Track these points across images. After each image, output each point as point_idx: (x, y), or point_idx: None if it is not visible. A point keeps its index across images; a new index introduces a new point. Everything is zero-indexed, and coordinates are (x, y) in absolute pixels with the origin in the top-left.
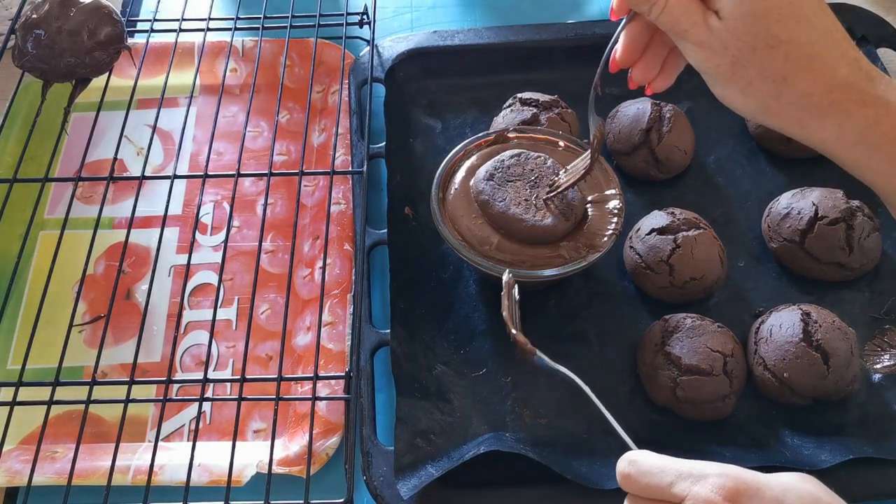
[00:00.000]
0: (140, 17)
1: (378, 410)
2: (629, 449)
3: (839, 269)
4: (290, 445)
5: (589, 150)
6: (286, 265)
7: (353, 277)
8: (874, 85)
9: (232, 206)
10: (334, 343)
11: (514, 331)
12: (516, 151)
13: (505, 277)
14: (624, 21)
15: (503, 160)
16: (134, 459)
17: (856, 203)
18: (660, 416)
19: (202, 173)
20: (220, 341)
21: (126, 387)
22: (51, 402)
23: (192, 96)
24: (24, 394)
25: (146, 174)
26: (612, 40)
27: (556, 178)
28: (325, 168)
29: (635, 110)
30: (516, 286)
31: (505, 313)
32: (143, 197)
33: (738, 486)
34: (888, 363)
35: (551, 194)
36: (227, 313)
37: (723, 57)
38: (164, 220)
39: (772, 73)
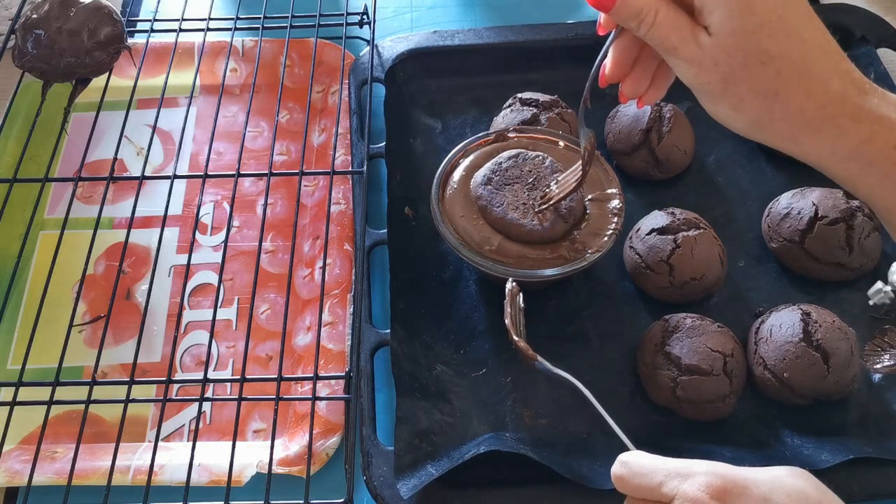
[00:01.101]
0: (140, 17)
1: (378, 410)
2: (627, 450)
3: (839, 269)
4: (290, 445)
5: (580, 163)
6: (286, 265)
7: (353, 277)
8: (867, 98)
9: (232, 206)
10: (334, 343)
11: (515, 338)
12: (514, 152)
13: (508, 286)
14: (612, 36)
15: (500, 162)
16: (134, 459)
17: (856, 203)
18: (660, 416)
19: (202, 173)
20: (220, 341)
21: (126, 387)
22: (51, 402)
23: (192, 96)
24: (24, 394)
25: (146, 174)
26: (601, 55)
27: (549, 190)
28: (325, 168)
29: (635, 110)
30: (521, 294)
31: (507, 321)
32: (143, 197)
33: (726, 485)
34: (888, 363)
35: (544, 207)
36: (227, 313)
37: (713, 73)
38: (164, 220)
39: (763, 89)
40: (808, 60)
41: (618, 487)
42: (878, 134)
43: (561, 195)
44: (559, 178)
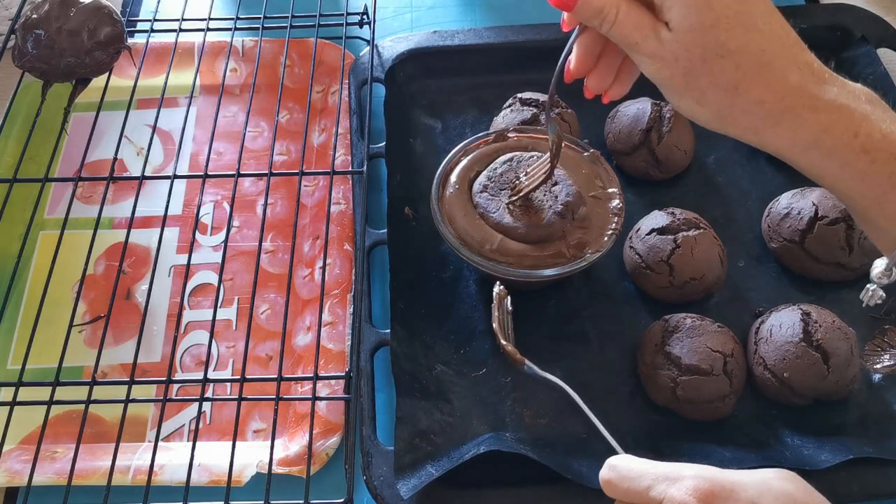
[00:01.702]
0: (140, 17)
1: (378, 410)
2: (616, 452)
3: (839, 269)
4: (290, 445)
5: (548, 155)
6: (286, 265)
7: (353, 277)
8: (826, 88)
9: (232, 206)
10: (334, 343)
11: (503, 342)
12: (508, 156)
13: (495, 290)
14: (576, 32)
15: (496, 168)
16: (134, 459)
17: None
18: (660, 416)
19: (202, 173)
20: (220, 341)
21: (126, 387)
22: (51, 402)
23: (192, 96)
24: (24, 394)
25: (146, 174)
26: (565, 51)
27: (518, 182)
28: (325, 168)
29: (635, 110)
30: (508, 297)
31: (495, 325)
32: (143, 197)
33: (713, 488)
34: (888, 363)
35: (513, 198)
36: (227, 313)
37: (674, 68)
38: (164, 220)
39: (723, 82)
40: (767, 53)
41: (606, 491)
42: (837, 123)
43: (530, 187)
44: (529, 171)
